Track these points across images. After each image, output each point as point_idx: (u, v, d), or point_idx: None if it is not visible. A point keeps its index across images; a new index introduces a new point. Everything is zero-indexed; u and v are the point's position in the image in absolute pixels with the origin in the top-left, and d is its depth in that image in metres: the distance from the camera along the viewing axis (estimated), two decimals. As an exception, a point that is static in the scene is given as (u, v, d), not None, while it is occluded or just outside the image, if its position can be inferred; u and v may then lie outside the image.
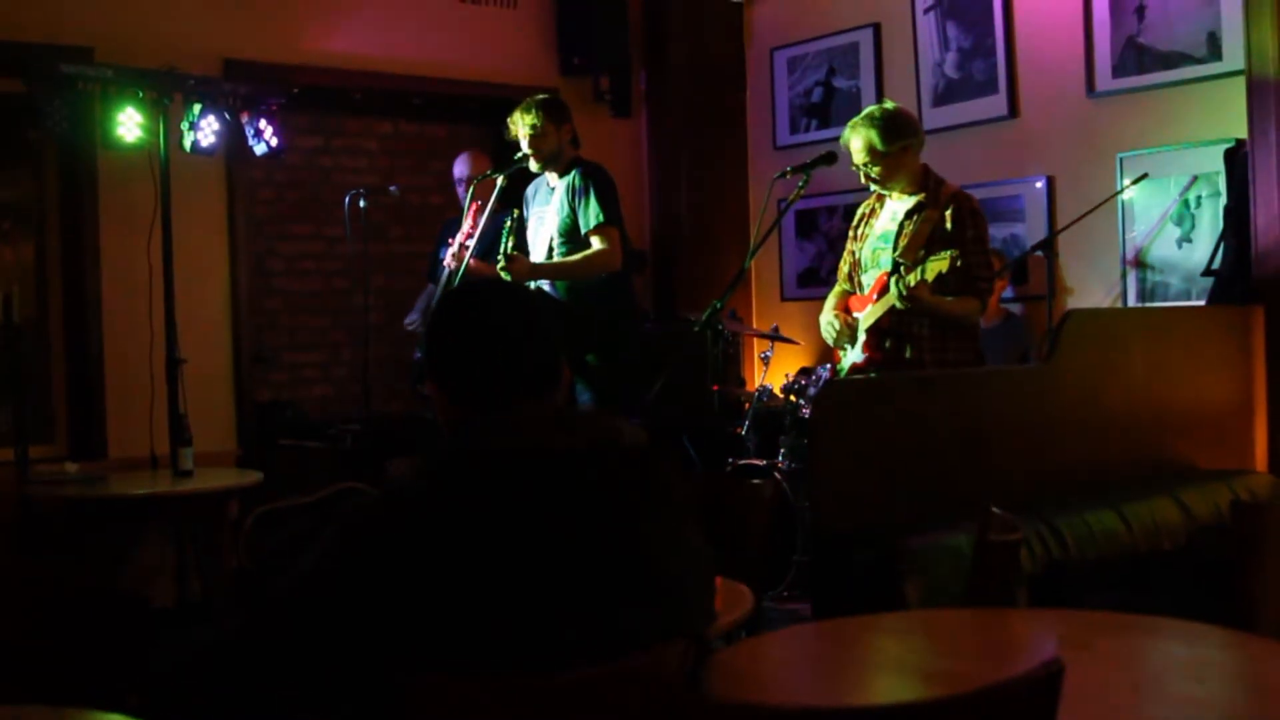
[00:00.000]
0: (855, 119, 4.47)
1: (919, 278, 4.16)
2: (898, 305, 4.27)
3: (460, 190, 5.89)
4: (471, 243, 5.31)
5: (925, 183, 4.44)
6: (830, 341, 4.65)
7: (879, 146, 4.37)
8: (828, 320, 4.63)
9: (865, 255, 4.55)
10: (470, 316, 2.02)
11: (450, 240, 5.51)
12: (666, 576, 1.90)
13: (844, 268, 4.70)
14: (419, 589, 1.76)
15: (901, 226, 4.41)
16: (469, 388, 2.00)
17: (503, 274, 4.95)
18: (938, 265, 4.10)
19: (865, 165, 4.41)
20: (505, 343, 2.00)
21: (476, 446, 1.89)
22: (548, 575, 1.79)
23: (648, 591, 1.87)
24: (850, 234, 4.69)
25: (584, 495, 1.84)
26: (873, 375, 4.39)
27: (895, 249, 4.37)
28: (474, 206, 5.45)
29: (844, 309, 4.62)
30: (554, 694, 1.72)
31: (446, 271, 5.45)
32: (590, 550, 1.83)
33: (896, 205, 4.49)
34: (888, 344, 4.41)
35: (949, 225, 4.31)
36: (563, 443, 1.88)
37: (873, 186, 4.49)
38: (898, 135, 4.38)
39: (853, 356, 4.50)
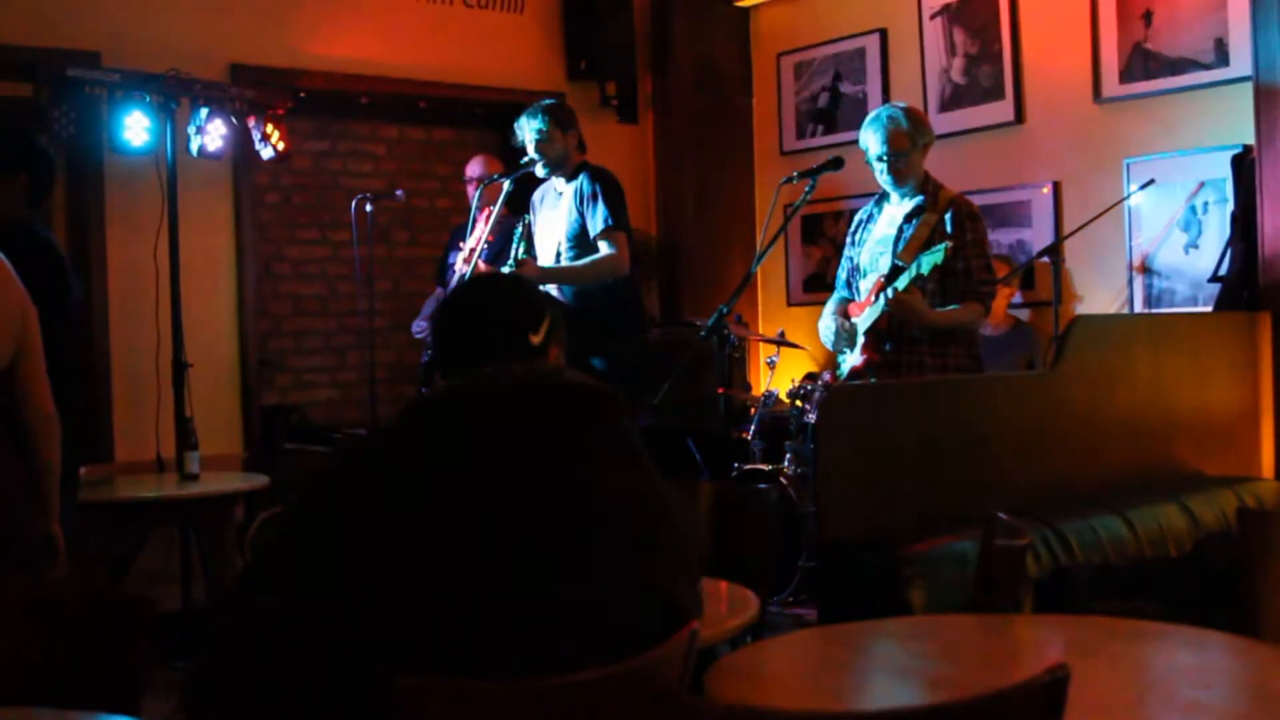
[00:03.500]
0: (877, 115, 4.45)
1: (912, 276, 4.18)
2: (886, 309, 4.27)
3: (470, 190, 5.90)
4: (481, 245, 5.32)
5: (925, 186, 4.44)
6: (829, 345, 4.66)
7: (911, 135, 4.36)
8: (826, 324, 4.63)
9: (864, 260, 4.55)
10: (449, 297, 2.31)
11: (460, 245, 5.53)
12: (612, 510, 1.92)
13: (841, 275, 4.71)
14: (372, 534, 1.85)
15: (900, 230, 4.41)
16: (442, 356, 2.20)
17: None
18: (933, 259, 4.11)
19: (893, 157, 4.38)
20: (467, 317, 2.20)
21: (424, 398, 2.09)
22: (491, 517, 1.84)
23: (598, 525, 1.90)
24: (848, 240, 4.69)
25: (521, 430, 1.92)
26: (872, 379, 4.38)
27: (894, 253, 4.37)
28: (484, 211, 5.47)
29: (843, 314, 4.62)
30: (553, 696, 1.72)
31: (455, 275, 5.46)
32: (532, 487, 1.87)
33: (895, 210, 4.49)
34: (887, 347, 4.40)
35: (948, 229, 4.31)
36: (503, 387, 1.99)
37: (886, 183, 4.46)
38: (923, 128, 4.42)
39: (851, 360, 4.49)
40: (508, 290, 2.27)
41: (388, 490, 1.87)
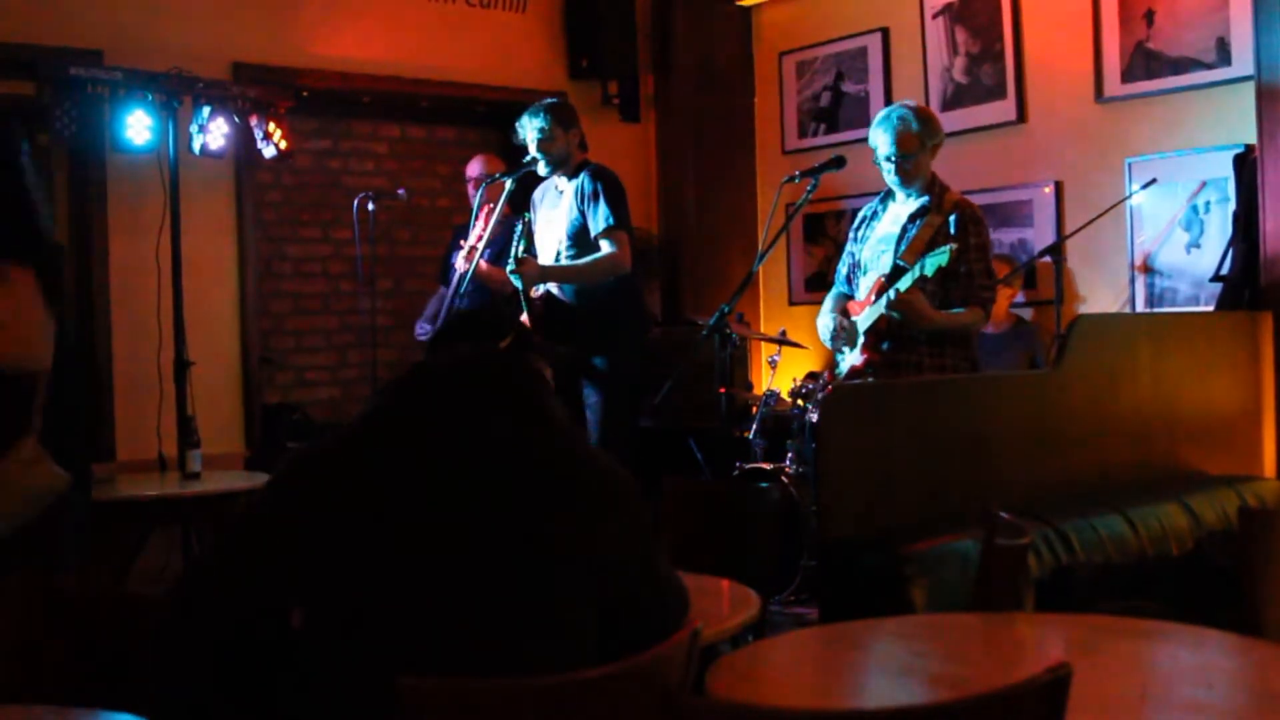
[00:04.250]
0: (888, 114, 4.43)
1: (915, 277, 4.17)
2: (886, 312, 4.26)
3: (470, 189, 5.90)
4: (482, 244, 5.32)
5: (932, 187, 4.43)
6: (826, 342, 4.65)
7: (921, 137, 4.35)
8: (825, 322, 4.62)
9: (866, 258, 4.54)
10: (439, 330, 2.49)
11: (462, 243, 5.53)
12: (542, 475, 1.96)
13: (842, 270, 4.70)
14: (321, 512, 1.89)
15: (904, 229, 4.40)
16: None
17: (512, 277, 4.97)
18: (938, 261, 4.11)
19: (901, 158, 4.37)
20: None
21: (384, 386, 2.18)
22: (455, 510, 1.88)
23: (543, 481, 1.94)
24: (851, 236, 4.68)
25: (456, 405, 1.97)
26: (870, 378, 4.38)
27: (896, 252, 4.36)
28: (485, 209, 5.47)
29: (843, 311, 4.61)
30: (553, 696, 1.72)
31: (457, 274, 5.46)
32: (457, 456, 1.92)
33: (900, 209, 4.48)
34: (885, 346, 4.40)
35: (952, 231, 4.30)
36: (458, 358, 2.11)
37: (893, 182, 4.45)
38: (933, 129, 4.41)
39: (851, 359, 4.49)
40: (485, 314, 2.46)
41: (341, 486, 1.90)
